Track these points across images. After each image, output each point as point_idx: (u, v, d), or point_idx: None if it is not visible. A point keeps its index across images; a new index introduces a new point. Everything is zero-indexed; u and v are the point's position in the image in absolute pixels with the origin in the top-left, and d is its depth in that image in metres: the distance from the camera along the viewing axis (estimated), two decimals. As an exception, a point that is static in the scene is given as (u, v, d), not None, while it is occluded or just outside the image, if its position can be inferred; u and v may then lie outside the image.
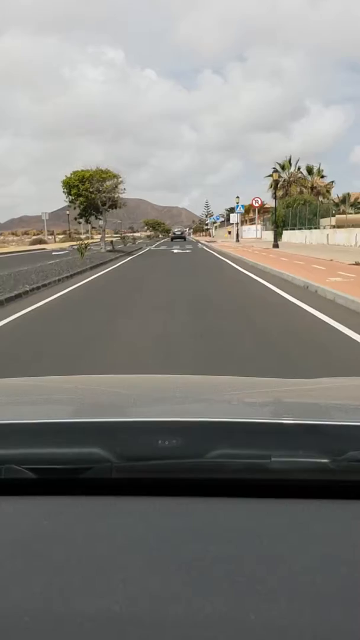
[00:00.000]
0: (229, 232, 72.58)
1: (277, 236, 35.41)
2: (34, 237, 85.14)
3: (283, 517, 0.74)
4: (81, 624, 0.55)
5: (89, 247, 25.67)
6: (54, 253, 36.51)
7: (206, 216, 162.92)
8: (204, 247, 39.89)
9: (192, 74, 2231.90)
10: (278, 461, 0.78)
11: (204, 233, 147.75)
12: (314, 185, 60.30)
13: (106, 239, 36.12)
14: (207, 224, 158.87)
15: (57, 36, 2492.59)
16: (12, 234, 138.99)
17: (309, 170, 61.32)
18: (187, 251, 34.12)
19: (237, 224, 52.74)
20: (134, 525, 0.72)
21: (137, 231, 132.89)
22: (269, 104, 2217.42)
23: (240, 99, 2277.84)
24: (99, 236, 37.90)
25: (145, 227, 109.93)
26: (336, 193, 57.30)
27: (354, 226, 32.33)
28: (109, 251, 32.11)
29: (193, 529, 0.71)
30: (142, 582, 0.61)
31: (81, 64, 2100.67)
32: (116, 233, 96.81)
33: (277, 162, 60.89)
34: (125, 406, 1.17)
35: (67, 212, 63.70)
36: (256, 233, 60.22)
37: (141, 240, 68.22)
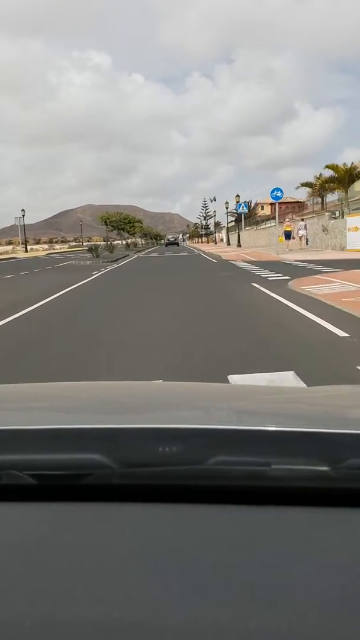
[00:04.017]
0: (287, 236, 30.12)
1: None
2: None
3: (283, 524, 0.74)
4: (81, 630, 0.56)
5: None
6: None
7: (204, 218, 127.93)
8: None
9: (181, 78, 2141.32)
10: (278, 469, 0.78)
11: (204, 239, 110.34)
12: None
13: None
14: (207, 227, 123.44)
15: (41, 40, 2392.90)
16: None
17: None
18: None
19: None
20: (134, 531, 0.73)
21: (128, 238, 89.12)
22: (259, 107, 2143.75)
23: (230, 103, 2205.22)
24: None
25: (110, 229, 61.57)
26: None
27: None
28: None
29: (193, 536, 0.71)
30: (142, 589, 0.61)
31: (67, 69, 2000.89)
32: (104, 240, 56.35)
33: None
34: (126, 412, 1.18)
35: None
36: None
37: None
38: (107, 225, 61.11)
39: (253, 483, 0.79)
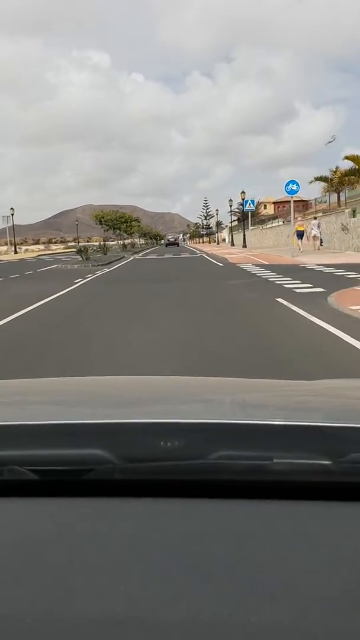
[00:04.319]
0: (300, 236, 26.87)
1: None
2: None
3: (284, 518, 0.74)
4: (82, 626, 0.56)
5: None
6: None
7: (205, 217, 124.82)
8: None
9: (180, 77, 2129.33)
10: (280, 462, 0.78)
11: (205, 239, 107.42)
12: None
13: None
14: (208, 227, 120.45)
15: (40, 39, 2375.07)
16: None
17: None
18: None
19: None
20: (136, 526, 0.73)
21: (126, 239, 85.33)
22: (259, 107, 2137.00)
23: (229, 102, 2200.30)
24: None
25: (105, 229, 57.27)
26: None
27: None
28: None
29: (195, 531, 0.72)
30: (143, 584, 0.61)
31: (66, 68, 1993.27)
32: (103, 241, 52.59)
33: None
34: (127, 407, 1.18)
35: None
36: None
37: None
38: (102, 224, 57.42)
39: (255, 477, 0.79)
